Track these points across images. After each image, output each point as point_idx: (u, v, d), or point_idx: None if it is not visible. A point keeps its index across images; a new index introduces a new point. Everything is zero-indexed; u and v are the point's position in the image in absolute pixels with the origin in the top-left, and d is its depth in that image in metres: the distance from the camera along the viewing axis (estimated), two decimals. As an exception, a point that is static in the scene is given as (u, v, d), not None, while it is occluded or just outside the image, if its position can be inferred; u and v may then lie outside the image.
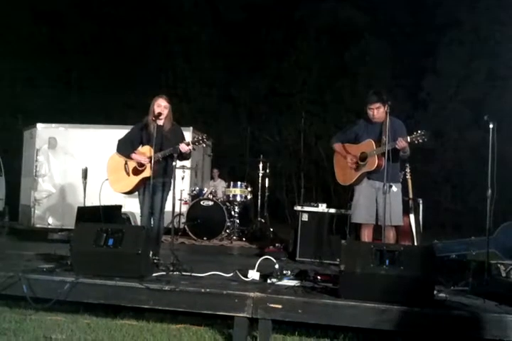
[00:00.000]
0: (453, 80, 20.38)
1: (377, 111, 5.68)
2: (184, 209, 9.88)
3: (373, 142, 5.63)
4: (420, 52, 20.69)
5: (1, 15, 20.60)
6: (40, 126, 11.44)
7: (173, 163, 5.55)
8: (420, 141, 5.25)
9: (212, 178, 12.02)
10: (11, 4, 20.79)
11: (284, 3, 22.74)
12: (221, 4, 23.83)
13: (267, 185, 10.93)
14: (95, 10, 22.97)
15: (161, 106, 5.84)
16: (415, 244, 6.58)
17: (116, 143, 6.06)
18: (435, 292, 4.30)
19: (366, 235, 5.75)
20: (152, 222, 5.83)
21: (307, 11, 22.48)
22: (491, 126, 4.70)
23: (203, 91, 23.09)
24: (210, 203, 9.75)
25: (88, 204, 6.91)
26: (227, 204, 10.07)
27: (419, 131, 5.27)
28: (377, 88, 6.76)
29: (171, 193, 5.65)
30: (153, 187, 5.58)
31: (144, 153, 5.81)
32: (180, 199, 9.83)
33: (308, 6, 22.49)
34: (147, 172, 5.70)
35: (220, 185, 11.28)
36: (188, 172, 10.28)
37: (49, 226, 10.88)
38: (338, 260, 4.72)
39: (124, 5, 22.93)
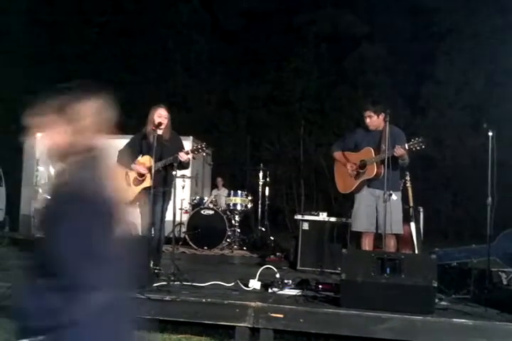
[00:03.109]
0: (452, 87, 20.42)
1: (370, 120, 5.76)
2: (185, 218, 9.87)
3: (372, 150, 5.66)
4: (419, 59, 20.75)
5: (0, 24, 20.66)
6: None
7: (174, 173, 5.55)
8: (418, 148, 5.28)
9: (215, 187, 12.03)
10: (10, 12, 20.87)
11: (283, 10, 22.82)
12: (220, 11, 23.93)
13: (267, 194, 10.91)
14: (94, 17, 23.04)
15: (162, 116, 5.84)
16: (416, 252, 6.57)
17: (117, 153, 6.06)
18: (436, 300, 4.30)
19: (367, 243, 5.75)
20: (153, 232, 5.83)
21: (306, 18, 22.56)
22: (490, 133, 4.71)
23: (202, 100, 23.12)
24: (211, 212, 9.74)
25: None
26: (228, 213, 10.05)
27: (417, 138, 5.31)
28: (377, 96, 6.82)
29: (171, 203, 5.66)
30: (153, 197, 5.58)
31: (144, 163, 5.82)
32: (181, 209, 9.82)
33: (307, 14, 22.57)
34: (147, 182, 5.70)
35: (223, 193, 11.28)
36: (188, 181, 10.27)
37: (49, 236, 10.84)
38: (339, 269, 4.72)
39: (123, 13, 23.02)
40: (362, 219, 5.76)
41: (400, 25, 21.37)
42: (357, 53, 21.98)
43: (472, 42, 20.03)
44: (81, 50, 22.99)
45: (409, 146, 5.30)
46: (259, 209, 10.73)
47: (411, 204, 6.78)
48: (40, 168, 11.32)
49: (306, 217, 7.11)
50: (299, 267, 6.92)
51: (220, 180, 11.99)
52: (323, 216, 7.05)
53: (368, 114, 5.75)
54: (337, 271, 5.77)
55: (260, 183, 10.71)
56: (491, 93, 19.19)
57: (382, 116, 5.62)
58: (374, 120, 5.72)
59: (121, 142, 6.24)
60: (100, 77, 22.77)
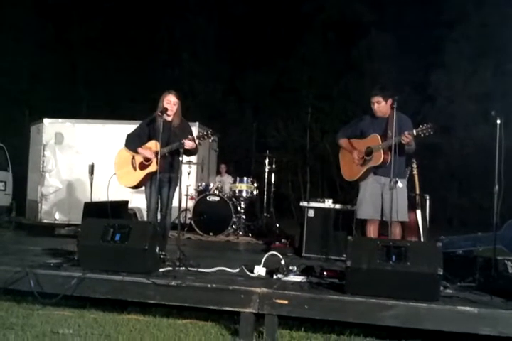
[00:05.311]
0: (460, 75, 20.28)
1: (378, 105, 5.71)
2: (190, 204, 9.89)
3: (379, 136, 5.62)
4: (428, 47, 20.59)
5: (7, 11, 20.63)
6: (46, 121, 11.46)
7: (180, 159, 5.55)
8: (427, 134, 5.25)
9: (219, 173, 12.03)
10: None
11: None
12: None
13: (273, 181, 10.92)
14: (101, 4, 22.92)
15: (171, 102, 5.83)
16: (422, 239, 6.56)
17: (125, 137, 6.08)
18: (442, 288, 4.30)
19: (372, 231, 5.75)
20: (159, 217, 5.85)
21: (314, 5, 22.36)
22: (498, 121, 4.67)
23: (209, 86, 23.05)
24: (217, 198, 9.76)
25: (95, 199, 6.93)
26: (234, 199, 10.06)
27: (425, 124, 5.27)
28: (384, 83, 6.78)
29: (177, 188, 5.67)
30: (159, 183, 5.60)
31: (150, 147, 5.82)
32: (187, 195, 9.84)
33: (315, 1, 22.36)
34: (153, 167, 5.71)
35: (227, 180, 11.29)
36: (194, 167, 10.28)
37: (56, 222, 10.92)
38: (345, 256, 4.72)
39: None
40: (367, 207, 5.74)
41: (408, 13, 21.17)
42: (365, 41, 21.84)
43: (481, 31, 19.85)
44: (88, 37, 22.95)
45: (417, 132, 5.27)
46: (265, 196, 10.73)
47: (417, 191, 6.77)
48: (47, 154, 11.34)
49: (312, 204, 7.10)
50: (304, 254, 6.94)
51: (223, 167, 12.00)
52: (328, 203, 7.04)
53: (376, 100, 5.70)
54: (342, 258, 5.77)
55: (266, 170, 10.71)
56: (500, 81, 19.04)
57: (389, 102, 5.58)
58: (382, 106, 5.68)
59: (129, 127, 6.28)
60: (107, 64, 22.79)
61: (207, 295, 4.33)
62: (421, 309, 3.97)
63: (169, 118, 5.82)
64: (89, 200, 7.03)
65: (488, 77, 19.87)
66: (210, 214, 9.55)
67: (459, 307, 3.96)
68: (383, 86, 5.92)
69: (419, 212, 6.71)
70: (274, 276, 4.82)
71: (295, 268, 5.04)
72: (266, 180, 10.76)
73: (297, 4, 22.53)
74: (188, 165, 9.53)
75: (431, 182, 13.83)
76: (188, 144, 5.59)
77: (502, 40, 18.42)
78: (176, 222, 6.62)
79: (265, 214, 10.47)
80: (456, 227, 17.37)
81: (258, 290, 4.23)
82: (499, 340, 3.87)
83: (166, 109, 5.71)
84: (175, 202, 5.96)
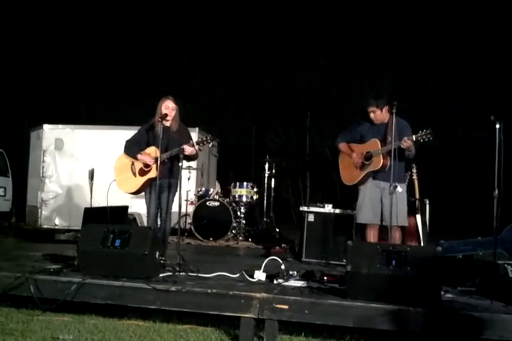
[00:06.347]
0: (459, 78, 20.28)
1: (374, 114, 5.76)
2: (190, 209, 9.89)
3: (378, 141, 5.64)
4: (427, 50, 20.59)
5: (2, 14, 20.64)
6: (46, 127, 11.47)
7: (180, 164, 5.56)
8: (426, 139, 5.27)
9: None
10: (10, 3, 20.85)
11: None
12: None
13: (272, 186, 10.90)
14: (99, 8, 22.92)
15: (169, 107, 5.86)
16: (422, 244, 6.56)
17: (124, 143, 6.09)
18: (442, 292, 4.30)
19: (371, 235, 5.75)
20: (159, 222, 5.86)
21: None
22: (497, 126, 4.68)
23: (208, 90, 23.03)
24: (216, 204, 9.75)
25: (95, 205, 6.93)
26: (233, 204, 10.05)
27: (424, 130, 5.29)
28: (382, 89, 6.79)
29: (177, 194, 5.68)
30: (159, 188, 5.60)
31: (149, 153, 5.84)
32: (187, 200, 9.84)
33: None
34: (153, 173, 5.72)
35: (216, 186, 11.33)
36: (194, 172, 10.28)
37: (56, 227, 10.91)
38: (345, 260, 4.72)
39: (128, 2, 22.91)
40: (366, 212, 5.75)
41: (407, 15, 21.18)
42: (364, 43, 21.83)
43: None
44: (86, 39, 22.96)
45: (416, 138, 5.28)
46: (265, 201, 10.72)
47: (417, 196, 6.77)
48: (47, 160, 11.35)
49: (312, 209, 7.10)
50: (304, 258, 6.93)
51: None
52: (328, 208, 7.04)
53: (371, 109, 5.74)
54: (342, 263, 5.77)
55: (266, 175, 10.70)
56: (499, 84, 19.05)
57: (385, 109, 5.63)
58: (378, 114, 5.72)
59: (129, 133, 6.29)
60: (105, 67, 22.79)
61: (207, 300, 4.32)
62: (421, 314, 3.96)
63: (167, 124, 5.83)
64: (89, 206, 7.03)
65: (487, 79, 19.87)
66: (210, 219, 9.55)
67: (460, 312, 3.96)
68: (376, 95, 5.93)
69: (419, 217, 6.71)
70: (274, 281, 4.82)
71: (295, 272, 5.04)
72: (266, 185, 10.75)
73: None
74: (188, 171, 9.54)
75: (431, 187, 13.82)
76: (188, 150, 5.61)
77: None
78: (176, 227, 6.62)
79: (265, 219, 10.44)
80: (456, 231, 17.33)
81: (258, 295, 4.23)
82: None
83: (166, 115, 5.72)
84: (175, 207, 5.97)
